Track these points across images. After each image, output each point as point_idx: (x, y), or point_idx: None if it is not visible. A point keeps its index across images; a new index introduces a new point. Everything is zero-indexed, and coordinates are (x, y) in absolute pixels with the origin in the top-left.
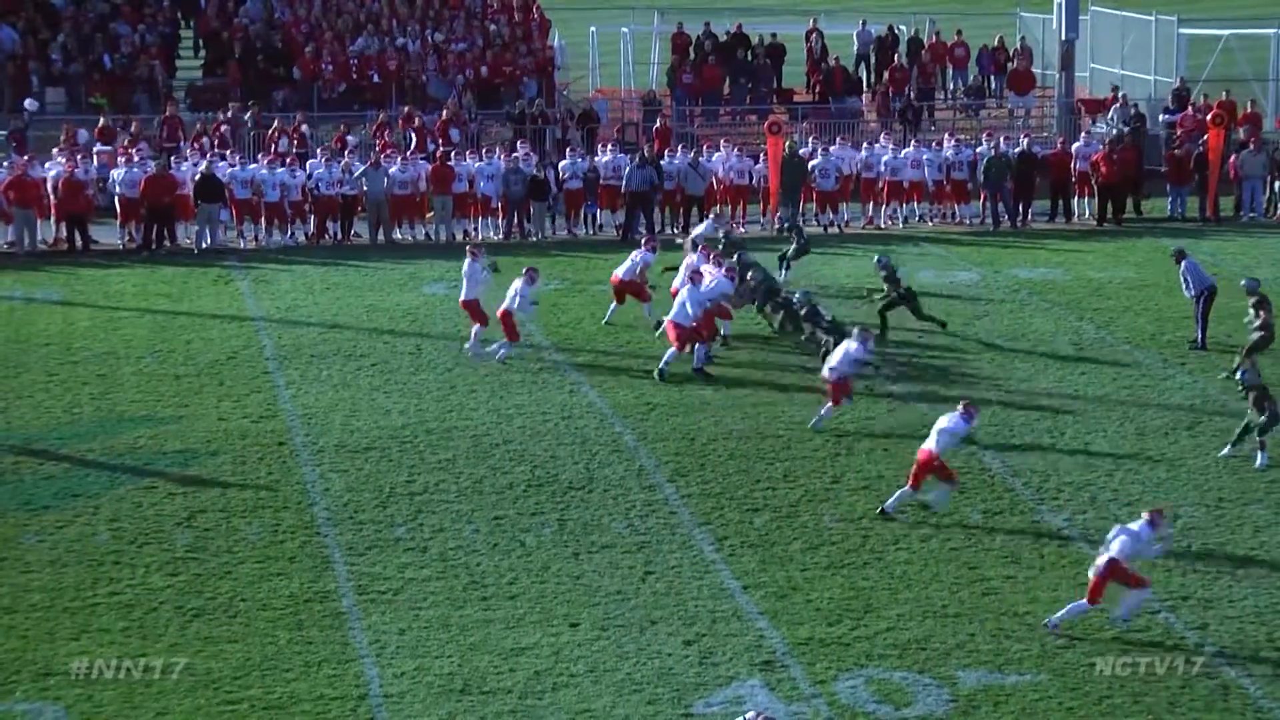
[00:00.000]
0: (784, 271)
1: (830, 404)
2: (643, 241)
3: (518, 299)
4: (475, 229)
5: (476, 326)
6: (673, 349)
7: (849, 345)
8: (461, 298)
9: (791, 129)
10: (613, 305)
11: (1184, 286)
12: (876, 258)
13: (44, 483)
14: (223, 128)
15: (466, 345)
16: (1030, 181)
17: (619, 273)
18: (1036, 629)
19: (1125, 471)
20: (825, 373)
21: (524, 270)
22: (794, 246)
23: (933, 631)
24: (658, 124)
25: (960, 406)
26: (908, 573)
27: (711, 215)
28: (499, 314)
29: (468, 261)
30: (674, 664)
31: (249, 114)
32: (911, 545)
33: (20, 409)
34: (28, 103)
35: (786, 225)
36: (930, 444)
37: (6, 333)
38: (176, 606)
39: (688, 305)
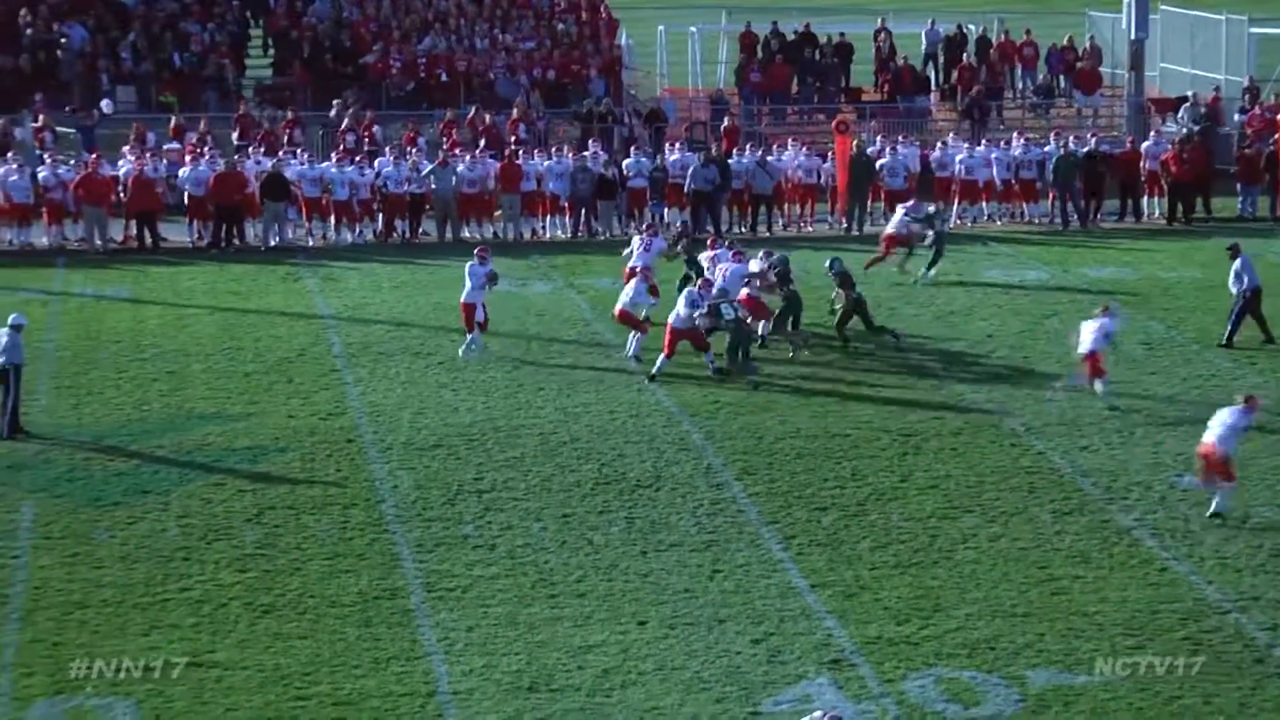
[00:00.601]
0: (928, 273)
1: (1099, 379)
2: (644, 228)
3: (634, 297)
4: (543, 227)
5: (474, 333)
6: (663, 356)
7: (1100, 319)
8: (462, 298)
9: (859, 128)
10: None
11: (1233, 281)
12: (828, 262)
13: (114, 479)
14: (294, 125)
15: (461, 350)
16: (1100, 181)
17: (632, 264)
18: (1106, 629)
19: (1195, 472)
20: (1082, 349)
21: (640, 271)
22: (934, 249)
23: (1002, 631)
24: (726, 123)
25: (1242, 399)
26: (976, 572)
27: (905, 207)
28: (617, 313)
29: (473, 262)
30: (742, 662)
31: (352, 111)
32: (980, 544)
33: (91, 406)
34: (104, 104)
35: (922, 220)
36: (1210, 438)
37: (77, 330)
38: (246, 603)
39: (680, 307)
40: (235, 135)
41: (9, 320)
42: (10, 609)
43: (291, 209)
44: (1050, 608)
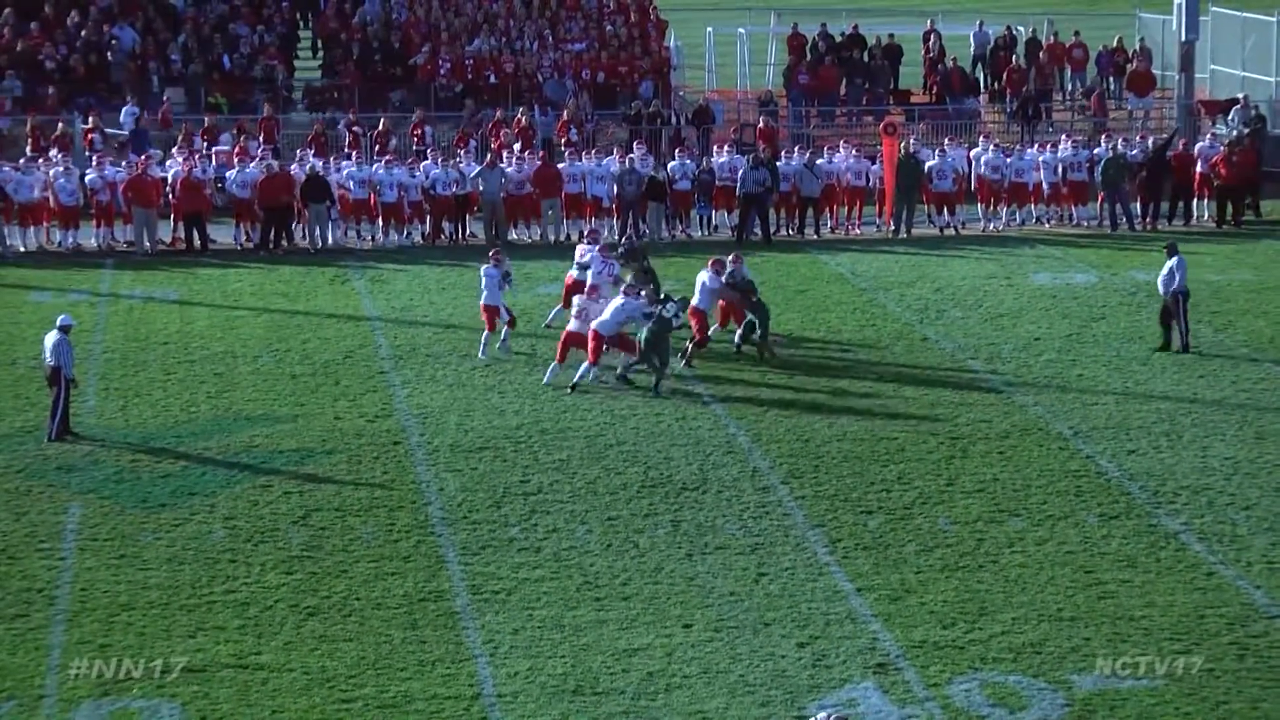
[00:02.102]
0: None
1: None
2: (585, 234)
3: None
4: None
5: (487, 332)
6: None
7: None
8: (482, 301)
9: (908, 130)
10: (557, 308)
11: (1166, 281)
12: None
13: (161, 481)
14: (354, 127)
15: (480, 351)
16: (1159, 184)
17: (574, 273)
18: (1153, 633)
19: (1243, 475)
20: None
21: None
22: None
23: (1048, 635)
24: (760, 124)
25: None
26: (1023, 576)
27: None
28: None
29: (488, 265)
30: (787, 666)
31: (481, 115)
32: (1027, 548)
33: (138, 407)
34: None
35: None
36: None
37: (125, 331)
38: (291, 605)
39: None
40: (261, 139)
41: (57, 321)
42: (56, 610)
43: (334, 209)
44: (1097, 612)
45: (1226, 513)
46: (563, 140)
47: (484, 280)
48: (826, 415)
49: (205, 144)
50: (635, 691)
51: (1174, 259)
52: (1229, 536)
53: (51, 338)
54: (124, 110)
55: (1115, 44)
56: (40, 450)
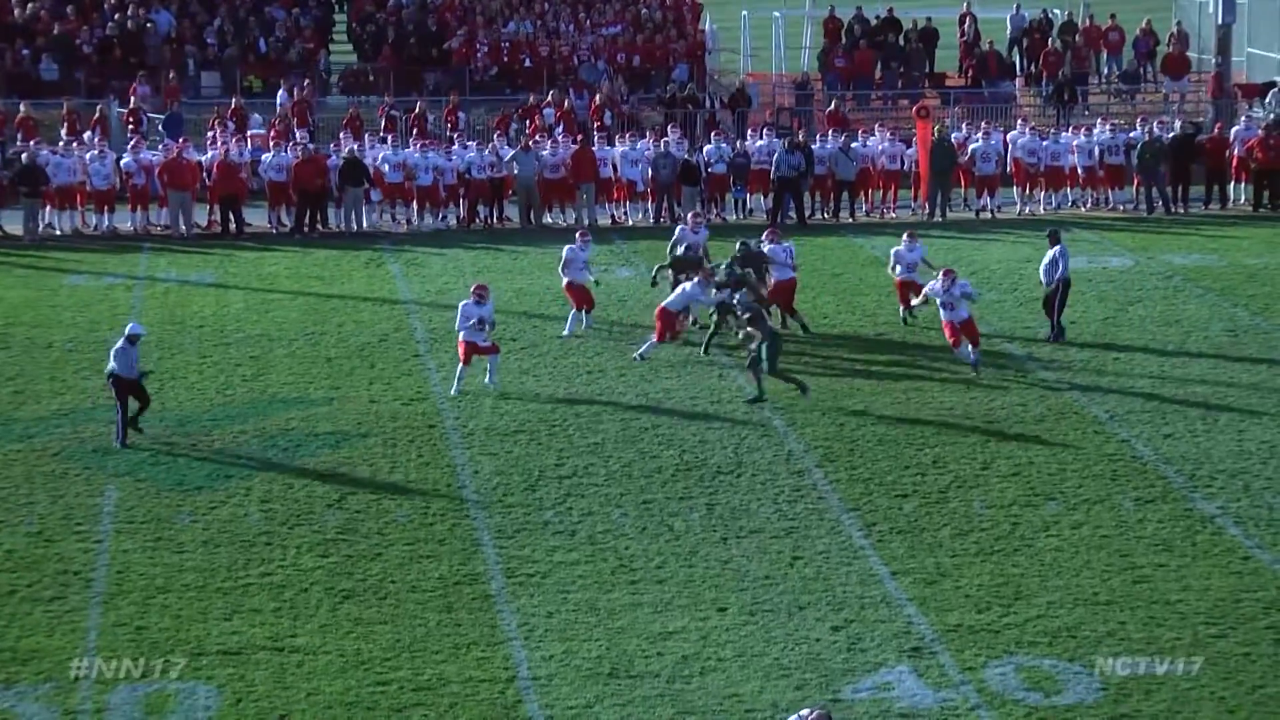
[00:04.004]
0: None
1: None
2: (690, 220)
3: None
4: (625, 213)
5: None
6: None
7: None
8: (461, 337)
9: (943, 114)
10: (574, 313)
11: (1049, 269)
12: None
13: (197, 463)
14: (390, 111)
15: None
16: (1186, 167)
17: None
18: (1189, 617)
19: None
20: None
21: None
22: None
23: (1083, 619)
24: (831, 106)
25: None
26: (1058, 560)
27: None
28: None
29: (468, 301)
30: (822, 649)
31: (552, 98)
32: (1062, 532)
33: (174, 390)
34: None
35: None
36: None
37: (161, 315)
38: (327, 587)
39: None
40: (295, 122)
41: (126, 330)
42: (93, 593)
43: (375, 191)
44: (1132, 596)
45: (1263, 496)
46: (596, 124)
47: (459, 316)
48: (861, 399)
49: (233, 126)
50: (670, 675)
51: (1056, 247)
52: (1266, 520)
53: (119, 345)
54: (280, 94)
55: (1144, 26)
56: (76, 433)
